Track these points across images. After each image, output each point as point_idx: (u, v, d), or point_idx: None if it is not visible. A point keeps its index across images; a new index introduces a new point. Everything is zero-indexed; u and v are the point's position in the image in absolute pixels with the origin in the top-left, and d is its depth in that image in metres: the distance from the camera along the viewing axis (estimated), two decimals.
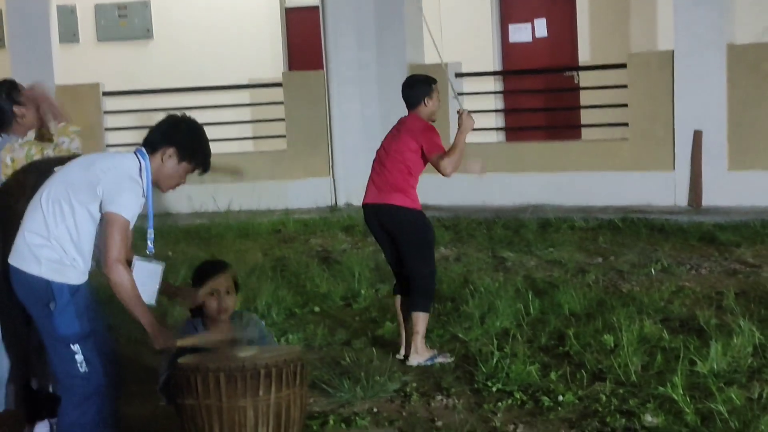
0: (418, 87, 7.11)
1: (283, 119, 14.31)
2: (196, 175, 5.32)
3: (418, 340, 6.99)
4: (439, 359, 7.01)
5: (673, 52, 12.56)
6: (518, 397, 6.22)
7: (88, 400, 5.06)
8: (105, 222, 4.97)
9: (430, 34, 8.03)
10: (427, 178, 7.34)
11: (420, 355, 6.99)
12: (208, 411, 4.79)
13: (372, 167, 7.16)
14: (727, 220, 11.26)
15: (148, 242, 5.23)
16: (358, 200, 13.22)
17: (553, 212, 12.30)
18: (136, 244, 5.31)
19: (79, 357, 5.01)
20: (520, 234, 11.12)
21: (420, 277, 7.00)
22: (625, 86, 12.88)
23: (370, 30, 13.99)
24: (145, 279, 5.10)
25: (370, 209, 7.12)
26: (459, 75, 13.59)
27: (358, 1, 13.97)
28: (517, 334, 7.37)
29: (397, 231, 7.04)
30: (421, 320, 6.99)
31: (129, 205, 4.99)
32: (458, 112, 7.12)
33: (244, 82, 15.30)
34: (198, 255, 9.73)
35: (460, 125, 7.04)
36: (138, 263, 5.14)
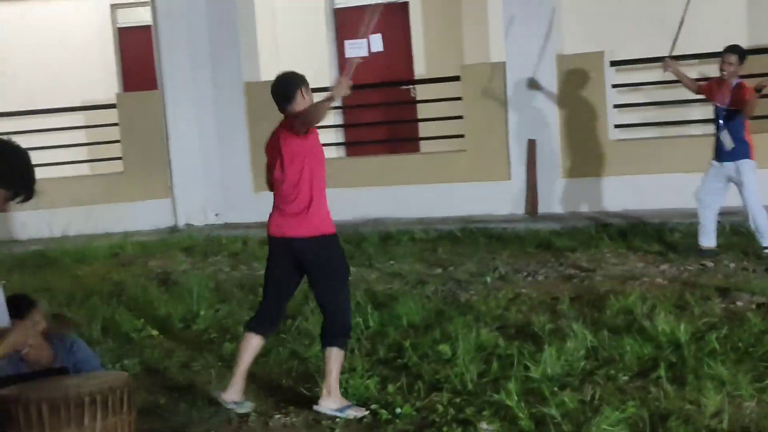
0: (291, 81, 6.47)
1: (119, 141, 14.06)
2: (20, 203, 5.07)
3: (332, 382, 6.25)
4: (352, 412, 6.17)
5: (505, 63, 12.78)
6: None
7: None
8: None
9: None
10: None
11: (332, 400, 6.22)
12: None
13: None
14: (563, 227, 11.49)
15: None
16: (198, 221, 13.19)
17: (394, 225, 12.36)
18: None
19: None
20: (362, 248, 11.12)
21: (339, 312, 6.29)
22: (460, 98, 13.03)
23: (204, 48, 13.83)
24: None
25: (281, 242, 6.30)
26: None
27: (191, 20, 13.80)
28: (356, 349, 7.35)
29: (314, 263, 6.26)
30: (335, 358, 6.28)
31: None
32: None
33: (77, 104, 14.97)
34: (33, 282, 9.49)
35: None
36: None
